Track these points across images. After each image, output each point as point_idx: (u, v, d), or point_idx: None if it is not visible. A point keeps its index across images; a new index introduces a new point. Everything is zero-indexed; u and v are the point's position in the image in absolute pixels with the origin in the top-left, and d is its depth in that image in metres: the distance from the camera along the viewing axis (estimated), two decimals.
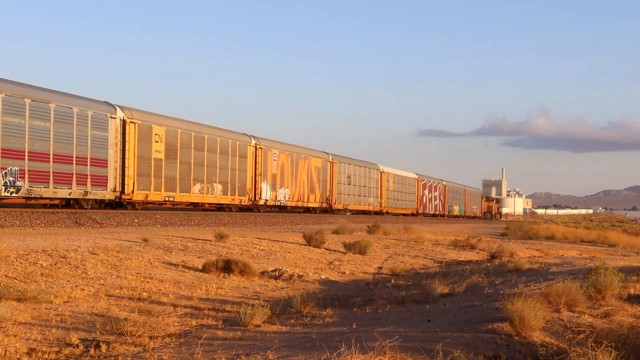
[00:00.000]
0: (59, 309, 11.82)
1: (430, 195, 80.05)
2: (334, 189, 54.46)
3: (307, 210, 51.13)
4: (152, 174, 32.68)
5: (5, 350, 9.06)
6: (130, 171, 31.11)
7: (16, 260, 14.67)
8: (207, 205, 38.21)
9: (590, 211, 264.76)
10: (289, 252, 23.25)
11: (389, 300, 15.05)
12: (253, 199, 42.12)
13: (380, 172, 64.98)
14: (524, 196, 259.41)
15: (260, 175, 42.78)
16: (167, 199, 33.89)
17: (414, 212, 73.92)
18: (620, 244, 40.84)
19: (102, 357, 9.25)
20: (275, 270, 18.99)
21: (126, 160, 30.94)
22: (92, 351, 9.50)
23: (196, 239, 22.58)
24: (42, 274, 14.20)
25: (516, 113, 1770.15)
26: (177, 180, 34.59)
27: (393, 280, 19.19)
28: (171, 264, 17.82)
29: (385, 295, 16.08)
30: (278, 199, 45.26)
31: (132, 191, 31.28)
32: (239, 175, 40.43)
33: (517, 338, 9.72)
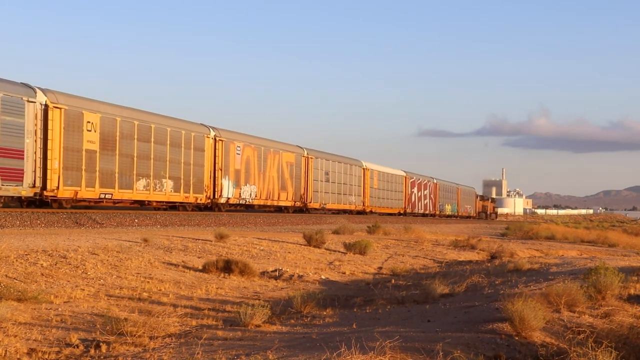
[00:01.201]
0: (59, 309, 11.82)
1: (419, 193, 76.37)
2: (310, 187, 50.28)
3: (279, 209, 47.33)
4: (84, 167, 28.55)
5: (6, 351, 9.06)
6: (54, 164, 27.02)
7: (16, 261, 14.67)
8: (155, 204, 34.17)
9: (591, 211, 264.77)
10: (289, 252, 23.25)
11: (389, 301, 15.05)
12: (212, 197, 38.03)
13: (363, 168, 61.10)
14: (524, 196, 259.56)
15: (221, 170, 38.63)
16: (103, 196, 29.76)
17: (402, 212, 70.25)
18: (621, 244, 40.84)
19: (102, 357, 9.25)
20: (275, 270, 18.99)
21: (49, 152, 26.76)
22: (92, 351, 9.50)
23: (196, 239, 22.57)
24: (42, 274, 14.20)
25: (517, 113, 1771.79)
26: (116, 175, 30.44)
27: (393, 281, 19.19)
28: (171, 264, 17.82)
29: (386, 295, 16.08)
30: (242, 196, 41.17)
31: (57, 187, 27.23)
32: (194, 170, 36.30)
33: (517, 338, 9.72)
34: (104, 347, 9.60)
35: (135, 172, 31.71)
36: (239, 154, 40.69)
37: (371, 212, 62.14)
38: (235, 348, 9.42)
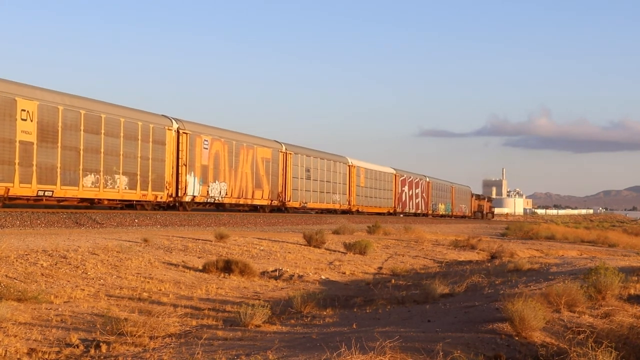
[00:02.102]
0: (59, 309, 11.82)
1: (410, 192, 73.43)
2: (288, 184, 47.35)
3: (254, 208, 44.51)
4: (18, 161, 25.68)
5: (6, 351, 9.06)
6: None
7: (16, 261, 14.67)
8: (106, 202, 31.23)
9: (591, 211, 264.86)
10: (289, 252, 23.25)
11: (389, 301, 15.05)
12: (175, 195, 35.08)
13: (349, 165, 58.21)
14: (524, 196, 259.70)
15: (185, 166, 35.65)
16: (42, 193, 26.90)
17: (391, 211, 67.54)
18: (621, 244, 40.82)
19: (102, 357, 9.25)
20: (275, 270, 18.99)
21: None
22: (92, 351, 9.50)
23: (196, 239, 22.57)
24: (43, 274, 14.20)
25: (518, 113, 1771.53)
26: (58, 170, 27.44)
27: (393, 281, 19.19)
28: (171, 264, 17.82)
29: (386, 295, 16.08)
30: (211, 194, 38.17)
31: None
32: (153, 165, 33.24)
33: (517, 338, 9.72)
34: (104, 347, 9.60)
35: (81, 167, 28.76)
36: (206, 149, 37.77)
37: (357, 211, 59.84)
38: (235, 348, 9.42)
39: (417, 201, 75.75)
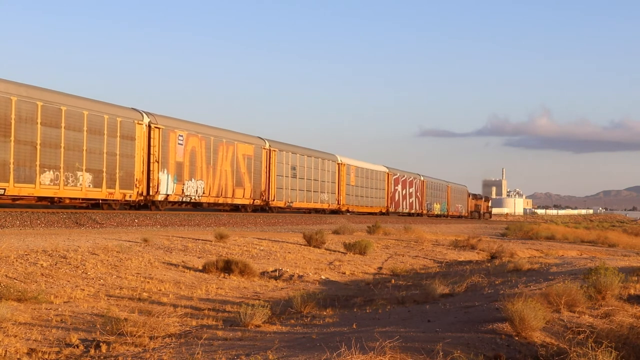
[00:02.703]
0: (59, 309, 11.82)
1: (404, 191, 71.42)
2: (272, 183, 45.29)
3: (235, 208, 42.28)
4: None
5: (6, 351, 9.06)
6: None
7: (16, 261, 14.68)
8: (68, 201, 29.14)
9: (591, 211, 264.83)
10: (289, 253, 23.26)
11: (389, 301, 15.05)
12: (146, 193, 33.04)
13: (338, 163, 56.29)
14: (524, 196, 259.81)
15: (158, 162, 33.64)
16: None
17: (384, 211, 65.48)
18: (621, 244, 40.83)
19: (102, 357, 9.26)
20: (275, 270, 19.00)
21: None
22: (92, 351, 9.50)
23: (196, 239, 22.58)
24: (42, 274, 14.21)
25: (518, 113, 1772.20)
26: (11, 166, 25.58)
27: (393, 281, 19.20)
28: (171, 264, 17.83)
29: (386, 295, 16.09)
30: (187, 193, 36.08)
31: None
32: (121, 161, 31.11)
33: (517, 338, 9.73)
34: (104, 347, 9.60)
35: (38, 163, 26.77)
36: (181, 144, 35.71)
37: (347, 211, 57.98)
38: (235, 348, 9.42)
39: (410, 201, 73.93)
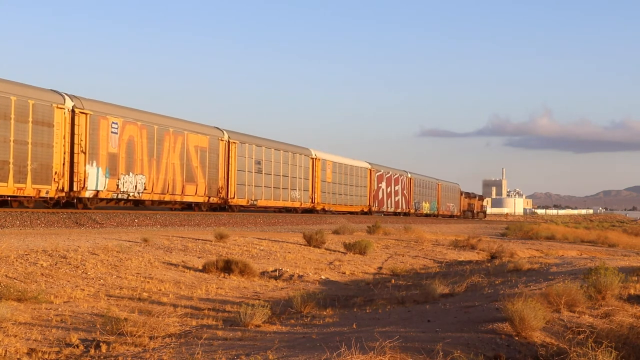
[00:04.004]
0: (59, 309, 11.83)
1: (389, 189, 67.24)
2: (232, 179, 40.66)
3: (188, 206, 38.08)
4: None
5: (6, 351, 9.07)
6: None
7: (16, 261, 14.69)
8: None
9: (591, 211, 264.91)
10: (289, 252, 23.27)
11: (389, 301, 15.06)
12: (68, 189, 28.50)
13: (312, 158, 51.86)
14: (524, 196, 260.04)
15: (85, 153, 29.07)
16: None
17: (365, 210, 61.60)
18: (621, 244, 40.83)
19: (102, 357, 9.26)
20: (275, 270, 19.00)
21: None
22: (92, 351, 9.50)
23: (196, 239, 22.59)
24: (42, 274, 14.21)
25: (519, 113, 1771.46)
26: None
27: (393, 281, 19.21)
28: (171, 264, 17.83)
29: (386, 295, 16.09)
30: (123, 189, 31.65)
31: None
32: (34, 151, 26.30)
33: (517, 338, 9.73)
34: (104, 347, 9.60)
35: None
36: (115, 133, 31.14)
37: (324, 210, 54.00)
38: (235, 348, 9.43)
39: (396, 199, 69.78)
